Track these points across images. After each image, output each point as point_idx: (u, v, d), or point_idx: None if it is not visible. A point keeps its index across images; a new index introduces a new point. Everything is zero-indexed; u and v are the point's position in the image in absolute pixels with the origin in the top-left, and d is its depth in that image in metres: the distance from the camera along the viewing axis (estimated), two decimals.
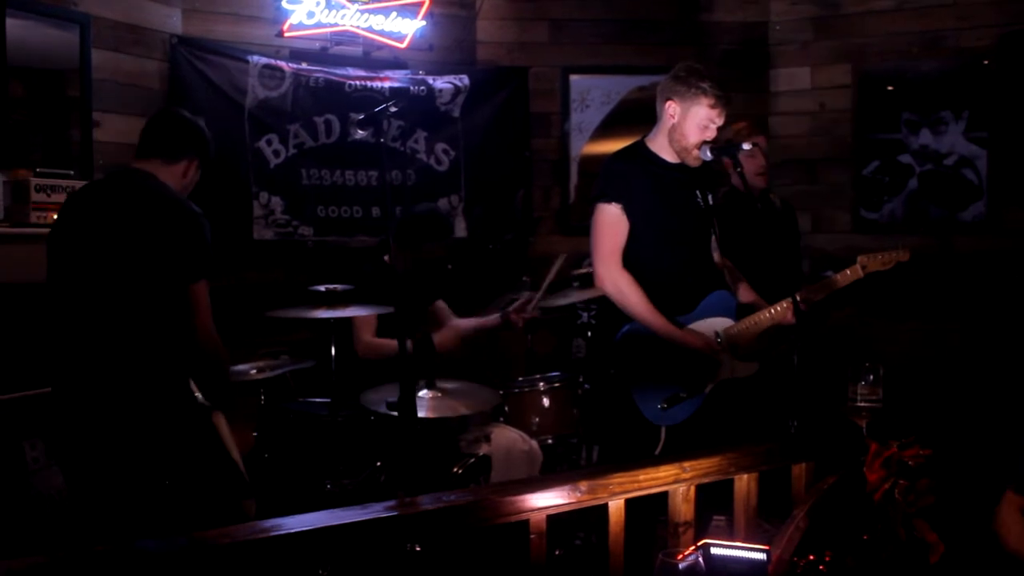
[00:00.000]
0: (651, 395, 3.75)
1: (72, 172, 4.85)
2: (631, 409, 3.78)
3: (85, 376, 3.33)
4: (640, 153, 3.93)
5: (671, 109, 3.85)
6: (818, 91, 6.72)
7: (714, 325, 3.92)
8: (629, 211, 3.81)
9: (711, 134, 3.86)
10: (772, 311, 3.93)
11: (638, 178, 3.86)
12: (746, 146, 4.13)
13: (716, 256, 4.11)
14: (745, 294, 4.13)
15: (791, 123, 6.74)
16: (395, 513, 2.40)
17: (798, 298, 3.78)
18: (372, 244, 5.45)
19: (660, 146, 3.91)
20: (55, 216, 3.59)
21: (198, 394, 3.44)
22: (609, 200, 3.82)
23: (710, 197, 4.01)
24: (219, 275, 3.51)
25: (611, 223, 3.82)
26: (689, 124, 3.82)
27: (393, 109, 3.23)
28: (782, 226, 4.84)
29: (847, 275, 4.03)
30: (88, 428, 3.31)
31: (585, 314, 5.81)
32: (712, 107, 3.81)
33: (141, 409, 3.28)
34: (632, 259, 3.86)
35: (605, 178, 3.90)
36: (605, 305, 3.95)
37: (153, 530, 3.11)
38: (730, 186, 4.84)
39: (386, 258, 4.76)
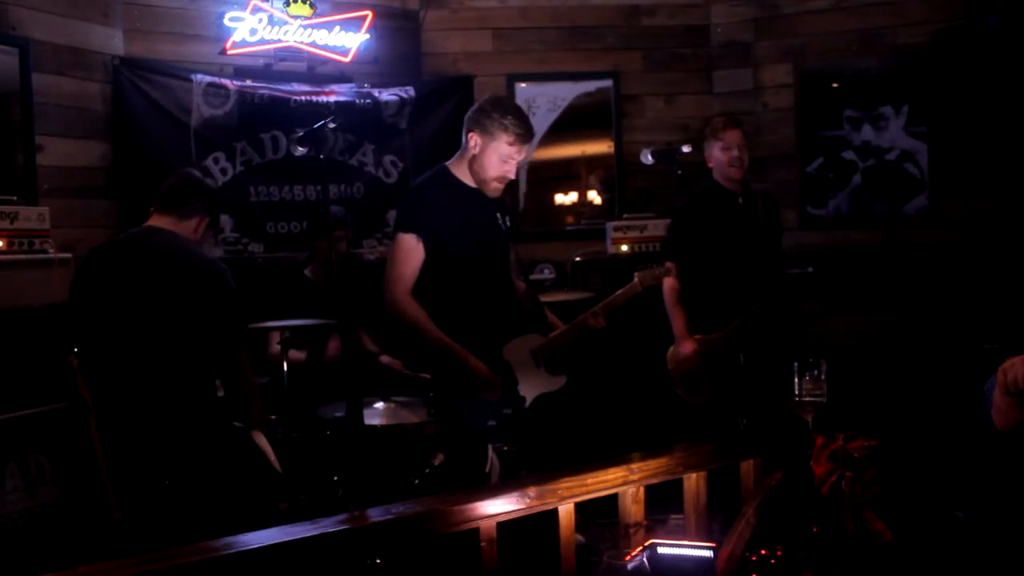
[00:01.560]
0: (481, 414, 3.76)
1: (16, 197, 4.81)
2: (463, 429, 3.81)
3: (133, 414, 3.57)
4: (445, 179, 3.90)
5: (473, 140, 3.83)
6: (761, 91, 6.82)
7: (528, 343, 3.97)
8: (431, 239, 3.76)
9: (510, 168, 3.86)
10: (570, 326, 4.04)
11: (444, 206, 3.82)
12: (685, 148, 4.19)
13: (517, 281, 4.15)
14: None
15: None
16: (346, 527, 2.41)
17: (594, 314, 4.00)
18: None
19: (462, 172, 3.89)
20: (78, 273, 3.85)
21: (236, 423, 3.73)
22: (407, 230, 3.77)
23: (507, 219, 4.04)
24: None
25: (408, 251, 3.75)
26: (489, 157, 3.81)
27: (331, 125, 3.24)
28: (762, 220, 4.93)
29: (627, 291, 4.12)
30: (144, 456, 3.55)
31: None
32: (511, 144, 3.80)
33: (187, 437, 3.54)
34: (445, 285, 3.82)
35: (406, 208, 3.88)
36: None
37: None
38: (712, 181, 4.91)
39: (306, 272, 4.77)
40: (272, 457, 3.70)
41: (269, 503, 3.65)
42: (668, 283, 4.70)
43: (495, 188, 3.89)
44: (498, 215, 3.97)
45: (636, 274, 4.15)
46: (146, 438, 3.54)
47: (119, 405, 3.61)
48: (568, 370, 4.02)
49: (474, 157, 3.84)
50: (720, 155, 4.80)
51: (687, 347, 4.63)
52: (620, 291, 4.12)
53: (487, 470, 3.58)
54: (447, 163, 3.94)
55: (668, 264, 4.41)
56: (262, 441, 3.70)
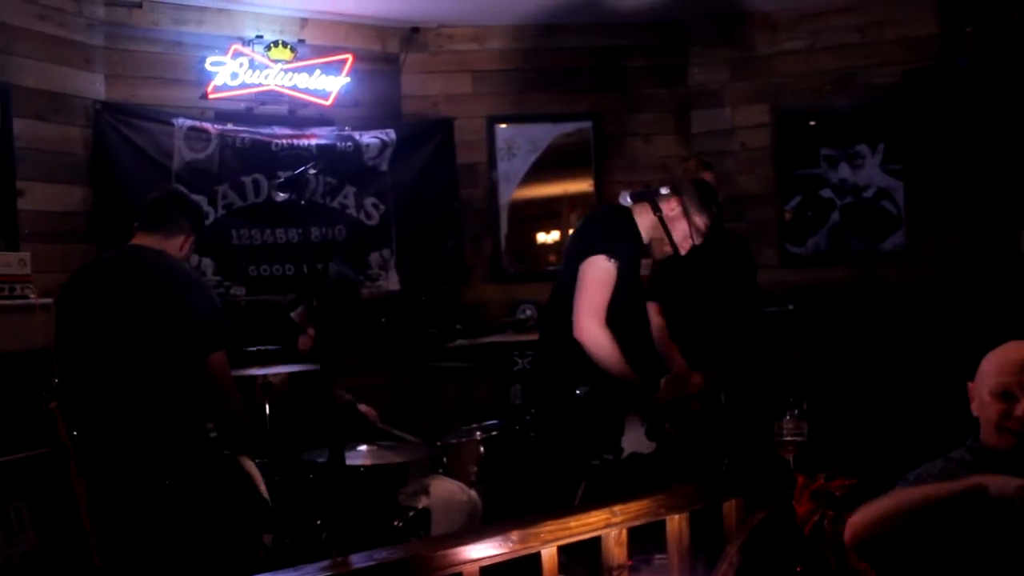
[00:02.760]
0: (587, 452, 3.80)
1: None
2: (570, 459, 3.83)
3: (115, 441, 3.50)
4: (631, 221, 3.99)
5: (675, 202, 3.94)
6: (739, 131, 6.89)
7: None
8: (619, 273, 3.82)
9: (686, 245, 3.99)
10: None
11: (632, 246, 3.93)
12: (663, 190, 4.24)
13: None
14: None
15: (714, 163, 6.84)
16: (328, 574, 2.41)
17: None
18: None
19: (641, 222, 3.99)
20: (63, 290, 3.79)
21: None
22: (611, 257, 3.80)
23: None
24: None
25: (608, 279, 3.79)
26: (681, 225, 3.94)
27: (312, 171, 3.26)
28: (737, 261, 4.99)
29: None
30: (123, 486, 3.48)
31: (520, 360, 5.84)
32: (701, 229, 3.96)
33: (171, 463, 3.45)
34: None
35: (612, 234, 3.90)
36: (572, 359, 3.87)
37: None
38: None
39: (292, 315, 4.77)
40: (261, 483, 3.63)
41: (255, 533, 3.59)
42: (656, 323, 4.73)
43: (664, 252, 4.02)
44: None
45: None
46: (128, 459, 3.46)
47: (101, 426, 3.54)
48: (662, 439, 4.02)
49: (667, 217, 3.93)
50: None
51: (696, 378, 4.62)
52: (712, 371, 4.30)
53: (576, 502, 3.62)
54: (628, 206, 4.00)
55: (648, 305, 4.51)
56: (250, 466, 3.63)
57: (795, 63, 6.68)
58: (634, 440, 3.98)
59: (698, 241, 4.00)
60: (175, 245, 3.73)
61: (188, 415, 3.53)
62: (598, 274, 3.79)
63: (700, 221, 3.95)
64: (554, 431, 3.93)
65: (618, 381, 3.80)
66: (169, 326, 3.47)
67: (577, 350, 3.78)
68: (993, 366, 2.61)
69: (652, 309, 4.80)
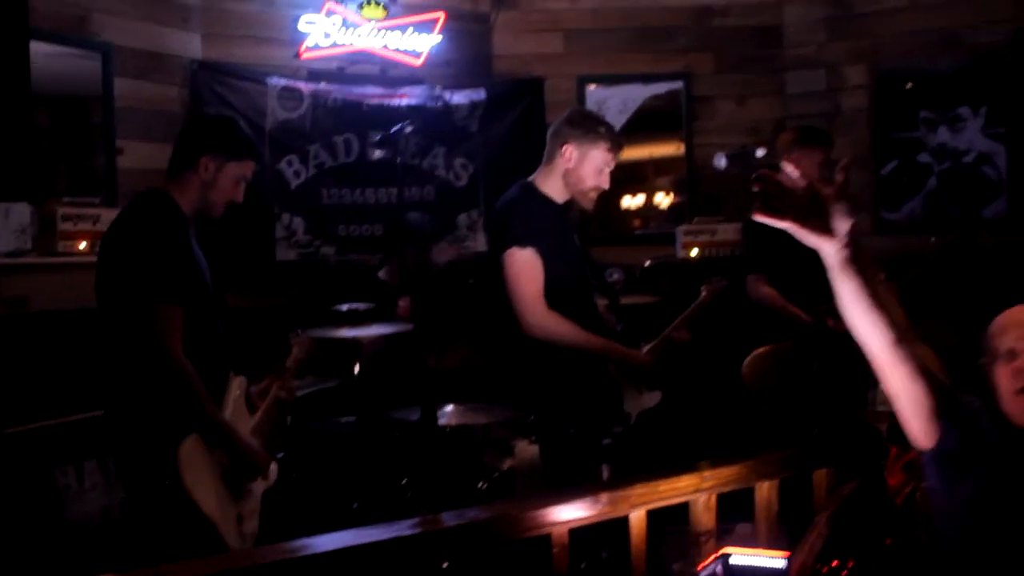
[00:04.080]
0: (594, 434, 3.73)
1: (97, 200, 4.93)
2: (571, 452, 3.71)
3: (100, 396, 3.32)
4: (537, 196, 3.83)
5: (568, 153, 3.76)
6: (834, 92, 6.73)
7: None
8: (542, 254, 3.69)
9: (606, 178, 3.82)
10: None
11: (544, 221, 3.77)
12: (759, 152, 4.14)
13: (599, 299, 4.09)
14: None
15: (809, 125, 6.74)
16: (419, 531, 2.44)
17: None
18: None
19: (552, 188, 3.82)
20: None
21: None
22: (524, 244, 3.66)
23: (578, 237, 3.97)
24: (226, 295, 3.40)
25: (531, 267, 3.66)
26: (587, 168, 3.77)
27: (408, 129, 3.25)
28: None
29: (699, 303, 4.32)
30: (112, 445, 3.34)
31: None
32: (609, 151, 3.77)
33: (121, 427, 3.15)
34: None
35: (516, 222, 3.75)
36: (533, 353, 3.73)
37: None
38: None
39: (380, 274, 4.76)
40: (191, 473, 2.94)
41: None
42: (767, 291, 4.55)
43: (592, 199, 3.85)
44: (576, 236, 3.94)
45: (704, 287, 4.26)
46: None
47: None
48: (662, 386, 4.00)
49: (568, 171, 3.79)
50: (815, 170, 4.71)
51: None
52: (693, 304, 4.23)
53: None
54: (530, 179, 3.88)
55: (751, 278, 4.49)
56: (187, 451, 2.96)
57: (896, 22, 6.48)
58: (636, 401, 3.94)
59: (613, 164, 3.82)
60: (194, 180, 3.25)
61: (131, 379, 3.10)
62: (517, 268, 3.66)
63: (600, 151, 3.76)
64: (554, 423, 3.75)
65: (592, 354, 3.72)
66: (114, 278, 3.14)
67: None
68: (994, 331, 2.64)
69: (758, 281, 4.60)
